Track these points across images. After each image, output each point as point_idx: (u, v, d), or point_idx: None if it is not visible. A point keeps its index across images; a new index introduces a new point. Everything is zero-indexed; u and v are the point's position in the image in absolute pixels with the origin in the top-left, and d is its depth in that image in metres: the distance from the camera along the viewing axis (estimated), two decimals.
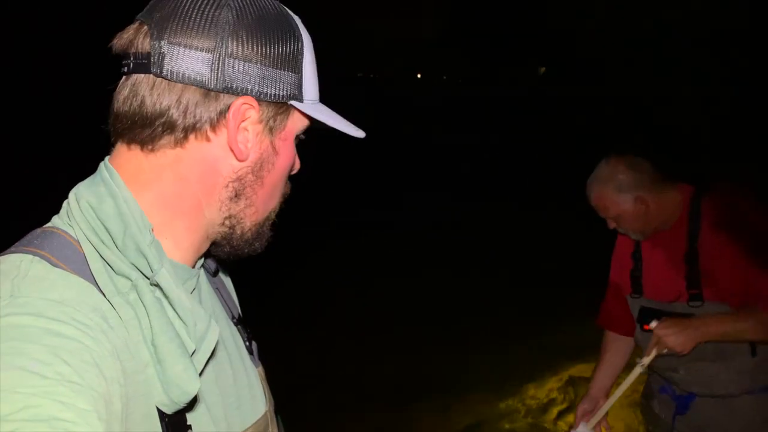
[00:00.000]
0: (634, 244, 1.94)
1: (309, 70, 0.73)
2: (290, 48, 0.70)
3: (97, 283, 0.62)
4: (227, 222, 0.73)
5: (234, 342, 0.84)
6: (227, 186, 0.71)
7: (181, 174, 0.69)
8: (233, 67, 0.66)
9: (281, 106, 0.71)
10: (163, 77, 0.65)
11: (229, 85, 0.66)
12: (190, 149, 0.68)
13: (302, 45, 0.71)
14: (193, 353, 0.65)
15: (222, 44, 0.65)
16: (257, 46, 0.67)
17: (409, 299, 5.42)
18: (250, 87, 0.68)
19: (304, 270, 6.12)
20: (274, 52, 0.68)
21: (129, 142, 0.68)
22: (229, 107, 0.67)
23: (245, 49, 0.66)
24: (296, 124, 0.75)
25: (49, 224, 0.68)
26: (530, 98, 17.54)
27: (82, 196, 0.66)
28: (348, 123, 0.79)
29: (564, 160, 9.64)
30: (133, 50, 0.66)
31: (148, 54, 0.65)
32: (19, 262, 0.61)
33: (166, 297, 0.64)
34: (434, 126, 16.68)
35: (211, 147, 0.69)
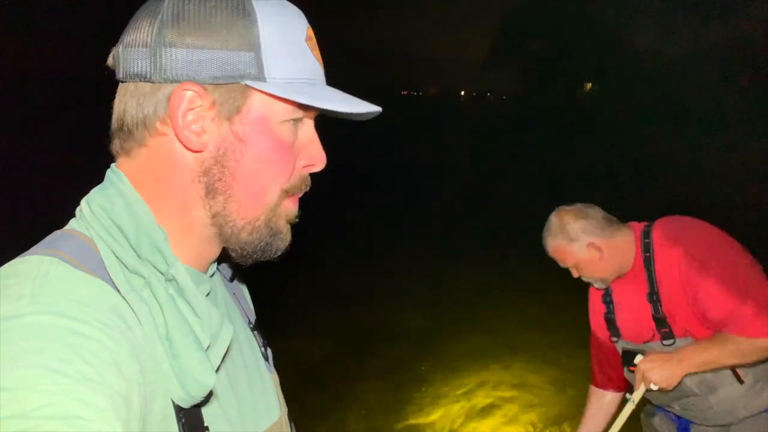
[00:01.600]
0: (604, 289, 1.97)
1: (276, 46, 0.67)
2: (237, 25, 0.66)
3: (113, 282, 0.63)
4: (215, 221, 0.70)
5: (250, 347, 0.84)
6: (197, 181, 0.68)
7: (156, 174, 0.68)
8: (171, 55, 0.64)
9: (234, 88, 0.67)
10: (122, 81, 0.67)
11: (167, 75, 0.65)
12: (153, 147, 0.68)
13: (255, 21, 0.67)
14: (207, 348, 0.65)
15: (160, 35, 0.64)
16: (197, 30, 0.65)
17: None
18: (190, 73, 0.65)
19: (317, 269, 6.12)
20: (216, 33, 0.65)
21: (117, 149, 0.70)
22: (170, 97, 0.65)
23: (185, 36, 0.64)
24: (271, 108, 0.68)
25: (66, 227, 0.69)
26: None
27: (93, 201, 0.67)
28: (355, 100, 0.72)
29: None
30: (110, 63, 0.69)
31: (114, 63, 0.68)
32: (39, 263, 0.61)
33: (181, 291, 0.64)
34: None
35: (169, 142, 0.67)
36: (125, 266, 0.64)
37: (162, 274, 0.65)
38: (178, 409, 0.64)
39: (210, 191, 0.68)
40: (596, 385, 2.10)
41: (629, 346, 1.93)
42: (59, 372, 0.51)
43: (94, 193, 0.69)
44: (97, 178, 0.72)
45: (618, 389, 2.07)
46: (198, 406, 0.66)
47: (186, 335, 0.63)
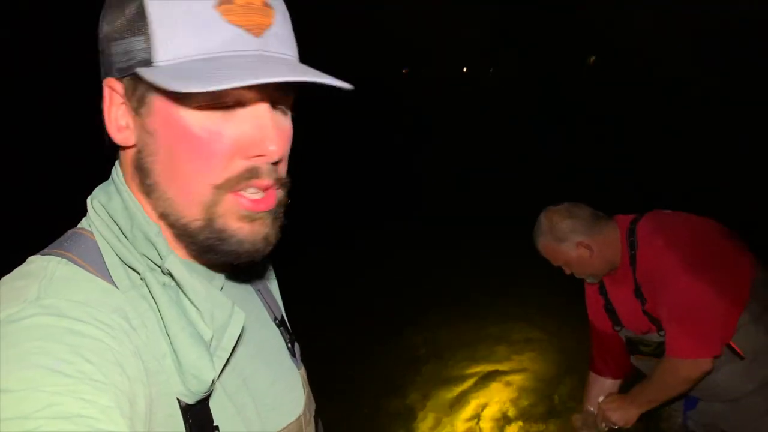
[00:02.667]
0: (599, 282, 2.00)
1: (171, 22, 0.60)
2: (130, 9, 0.61)
3: (113, 280, 0.63)
4: (166, 222, 0.67)
5: (275, 343, 0.83)
6: (133, 177, 0.68)
7: (124, 171, 0.70)
8: (101, 52, 0.66)
9: (135, 78, 0.63)
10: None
11: (103, 72, 0.66)
12: (111, 145, 0.69)
13: (141, 2, 0.61)
14: (212, 339, 0.64)
15: (100, 30, 0.66)
16: (108, 20, 0.64)
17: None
18: (108, 68, 0.65)
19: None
20: (110, 23, 0.63)
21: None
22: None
23: (102, 31, 0.65)
24: (177, 94, 0.61)
25: (78, 226, 0.71)
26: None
27: (95, 197, 0.69)
28: (261, 69, 0.59)
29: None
30: None
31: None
32: (46, 264, 0.62)
33: (178, 284, 0.64)
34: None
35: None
36: (123, 262, 0.65)
37: (159, 267, 0.65)
38: (185, 409, 0.63)
39: (146, 190, 0.67)
40: (595, 372, 2.16)
41: (632, 335, 1.97)
42: (61, 372, 0.52)
43: (97, 189, 0.70)
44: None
45: (615, 376, 2.12)
46: (206, 405, 0.65)
47: (183, 329, 0.62)
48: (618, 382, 2.14)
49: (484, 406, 3.62)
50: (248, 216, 0.66)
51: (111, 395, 0.54)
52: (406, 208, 8.10)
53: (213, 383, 0.64)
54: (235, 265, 0.76)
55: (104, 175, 0.73)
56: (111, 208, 0.67)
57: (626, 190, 7.22)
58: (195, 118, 0.62)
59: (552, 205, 1.97)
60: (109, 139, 0.67)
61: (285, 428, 0.78)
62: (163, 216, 0.67)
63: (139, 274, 0.64)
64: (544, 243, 1.93)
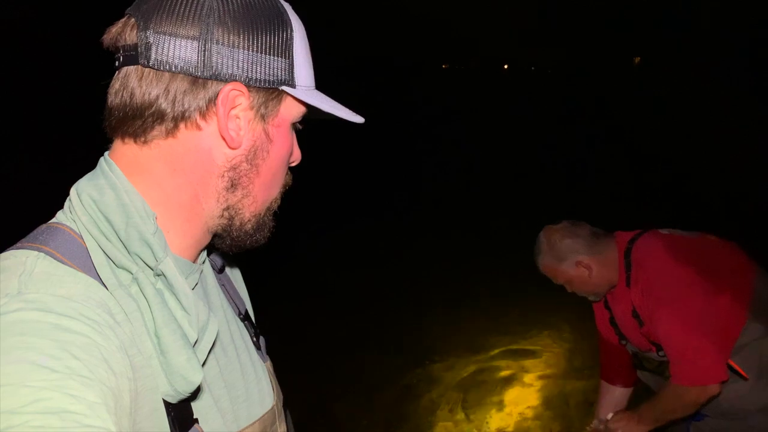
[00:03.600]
0: (602, 299, 2.01)
1: (301, 55, 0.72)
2: (278, 33, 0.69)
3: (100, 278, 0.63)
4: (226, 213, 0.73)
5: (241, 337, 0.85)
6: (222, 176, 0.70)
7: (175, 165, 0.69)
8: (220, 53, 0.65)
9: (272, 92, 0.71)
10: (150, 67, 0.65)
11: (216, 72, 0.66)
12: (182, 139, 0.68)
13: (291, 30, 0.70)
14: (195, 343, 0.66)
15: (208, 31, 0.65)
16: (244, 31, 0.66)
17: None
18: (238, 73, 0.67)
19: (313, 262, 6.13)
20: (262, 38, 0.67)
21: (123, 135, 0.68)
22: (217, 94, 0.67)
23: (232, 35, 0.66)
24: (291, 110, 0.74)
25: (53, 220, 0.69)
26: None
27: (83, 190, 0.66)
28: (346, 109, 0.78)
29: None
30: (121, 43, 0.66)
31: (135, 45, 0.65)
32: (24, 259, 0.61)
33: (170, 286, 0.64)
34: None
35: (203, 136, 0.68)
36: (113, 261, 0.64)
37: (151, 269, 0.65)
38: (168, 404, 0.65)
39: (233, 185, 0.72)
40: (606, 380, 2.16)
41: (636, 351, 1.99)
42: (48, 368, 0.52)
43: (84, 182, 0.68)
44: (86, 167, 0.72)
45: (626, 384, 2.13)
46: (187, 400, 0.67)
47: (173, 332, 0.63)
48: (629, 390, 2.16)
49: (493, 408, 3.65)
50: (276, 208, 0.80)
51: (98, 391, 0.54)
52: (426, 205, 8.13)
53: (199, 386, 0.66)
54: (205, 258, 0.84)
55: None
56: (103, 203, 0.65)
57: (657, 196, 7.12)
58: (291, 134, 0.77)
59: (552, 223, 1.99)
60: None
61: (259, 419, 0.80)
62: (228, 209, 0.73)
63: (131, 273, 0.64)
64: (544, 262, 1.94)
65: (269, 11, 0.69)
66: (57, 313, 0.56)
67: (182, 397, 0.65)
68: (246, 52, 0.67)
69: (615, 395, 2.14)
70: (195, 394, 0.69)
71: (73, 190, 0.68)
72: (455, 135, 14.02)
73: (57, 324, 0.56)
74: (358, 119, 0.78)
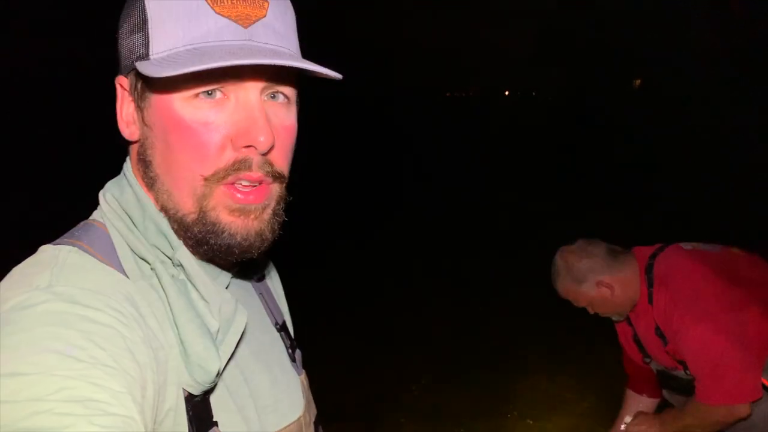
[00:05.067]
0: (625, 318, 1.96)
1: (164, 16, 0.63)
2: (132, 8, 0.66)
3: (125, 271, 0.64)
4: (166, 213, 0.69)
5: (275, 347, 0.84)
6: (138, 171, 0.70)
7: (132, 166, 0.72)
8: (118, 49, 0.68)
9: (135, 73, 0.66)
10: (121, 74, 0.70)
11: (120, 69, 0.69)
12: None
13: (142, 1, 0.65)
14: (218, 331, 0.65)
15: (119, 29, 0.69)
16: (121, 19, 0.68)
17: None
18: (121, 66, 0.68)
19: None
20: (123, 21, 0.68)
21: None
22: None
23: (119, 27, 0.68)
24: (169, 85, 0.63)
25: (90, 217, 0.72)
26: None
27: (108, 190, 0.71)
28: (239, 54, 0.61)
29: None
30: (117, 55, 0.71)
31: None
32: (57, 252, 0.63)
33: (188, 276, 0.65)
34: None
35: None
36: (135, 253, 0.66)
37: (169, 259, 0.67)
38: (188, 400, 0.65)
39: (149, 183, 0.69)
40: (632, 389, 2.10)
41: (662, 369, 1.93)
42: (74, 357, 0.53)
43: (110, 183, 0.73)
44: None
45: (653, 396, 2.06)
46: (207, 400, 0.67)
47: (191, 320, 0.64)
48: (655, 401, 2.08)
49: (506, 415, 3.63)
50: (239, 209, 0.66)
51: (122, 381, 0.55)
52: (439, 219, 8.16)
53: (218, 375, 0.65)
54: (241, 267, 0.80)
55: (114, 171, 0.75)
56: (124, 200, 0.69)
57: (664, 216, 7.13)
58: (186, 110, 0.64)
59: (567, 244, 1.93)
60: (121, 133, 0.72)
61: (284, 429, 0.78)
62: (164, 209, 0.68)
63: (149, 264, 0.65)
64: (564, 286, 1.88)
65: None
66: (83, 305, 0.58)
67: (203, 388, 0.65)
68: (122, 40, 0.67)
69: (642, 403, 2.06)
70: (213, 394, 0.68)
71: (101, 192, 0.72)
72: (462, 159, 14.11)
73: (83, 315, 0.57)
74: (295, 63, 0.62)
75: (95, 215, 0.71)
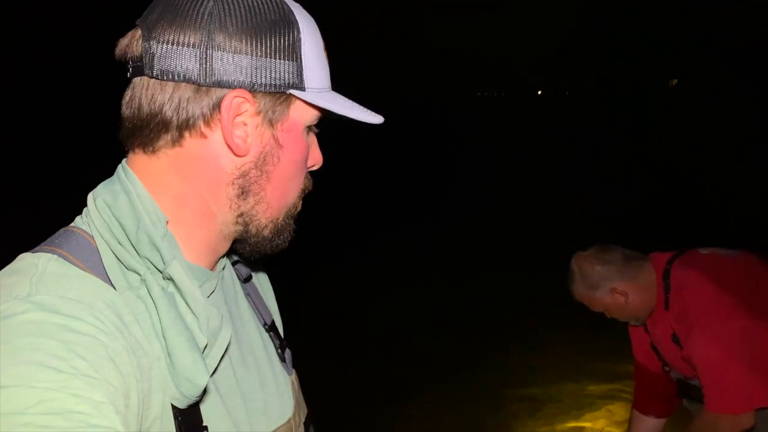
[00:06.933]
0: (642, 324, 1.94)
1: (311, 57, 0.70)
2: (285, 35, 0.67)
3: (110, 280, 0.63)
4: (240, 220, 0.72)
5: (264, 348, 0.83)
6: (232, 183, 0.70)
7: (183, 173, 0.69)
8: (222, 59, 0.65)
9: (280, 96, 0.69)
10: (155, 77, 0.65)
11: (219, 79, 0.65)
12: (188, 148, 0.68)
13: (298, 32, 0.68)
14: (205, 347, 0.65)
15: (209, 38, 0.64)
16: (247, 36, 0.65)
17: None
18: (242, 79, 0.66)
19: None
20: (266, 41, 0.66)
21: (134, 145, 0.69)
22: (221, 101, 0.66)
23: (234, 40, 0.65)
24: (302, 114, 0.72)
25: (72, 224, 0.70)
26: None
27: (99, 195, 0.68)
28: (364, 109, 0.76)
29: None
30: (129, 55, 0.67)
31: (141, 56, 0.65)
32: (37, 261, 0.62)
33: (178, 290, 0.64)
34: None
35: (209, 144, 0.68)
36: (122, 263, 0.65)
37: (160, 272, 0.65)
38: (175, 408, 0.64)
39: (244, 193, 0.71)
40: (639, 410, 2.08)
41: (681, 377, 1.93)
42: (54, 368, 0.52)
43: (100, 188, 0.70)
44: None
45: (660, 415, 2.05)
46: (196, 405, 0.66)
47: (180, 333, 0.63)
48: (662, 421, 2.06)
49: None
50: (295, 213, 0.78)
51: (104, 391, 0.54)
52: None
53: (205, 389, 0.65)
54: (228, 268, 0.83)
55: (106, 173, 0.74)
56: (116, 208, 0.66)
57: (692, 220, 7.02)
58: (306, 136, 0.74)
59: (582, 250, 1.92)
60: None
61: (274, 431, 0.79)
62: (242, 216, 0.72)
63: (140, 275, 0.65)
64: (579, 292, 1.89)
65: (274, 13, 0.67)
66: (64, 314, 0.57)
67: (189, 401, 0.64)
68: (250, 57, 0.66)
69: (647, 426, 2.04)
70: (203, 399, 0.68)
71: (90, 196, 0.70)
72: (490, 159, 14.06)
73: (63, 325, 0.56)
74: (376, 119, 0.76)
75: (77, 222, 0.70)
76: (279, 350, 0.86)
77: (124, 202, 0.66)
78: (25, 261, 0.63)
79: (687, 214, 7.73)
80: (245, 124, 0.68)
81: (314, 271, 5.69)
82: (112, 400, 0.55)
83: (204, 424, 0.66)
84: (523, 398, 3.88)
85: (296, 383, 0.88)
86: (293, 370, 0.88)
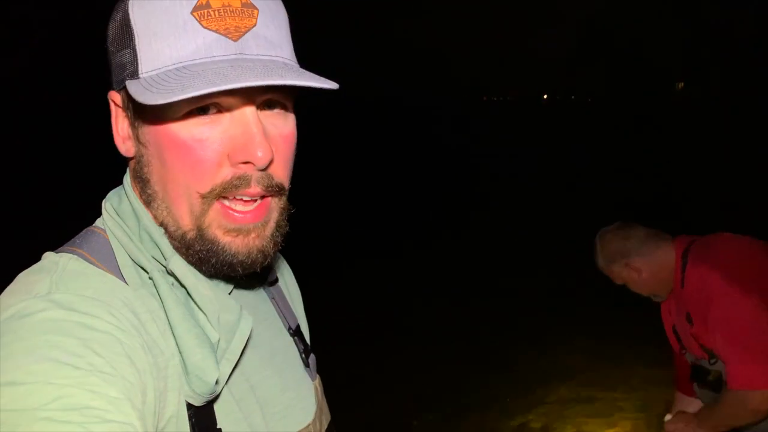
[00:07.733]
0: (664, 300, 1.97)
1: (150, 32, 0.61)
2: (116, 21, 0.64)
3: (124, 278, 0.64)
4: (166, 230, 0.67)
5: (287, 352, 0.81)
6: (136, 187, 0.69)
7: (130, 180, 0.71)
8: (110, 65, 0.67)
9: (126, 90, 0.63)
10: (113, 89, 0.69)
11: (113, 85, 0.68)
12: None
13: (127, 11, 0.62)
14: (218, 341, 0.65)
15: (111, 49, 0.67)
16: (109, 34, 0.66)
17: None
18: (111, 81, 0.67)
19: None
20: (110, 35, 0.65)
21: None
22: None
23: (107, 45, 0.67)
24: (163, 105, 0.59)
25: (94, 224, 0.72)
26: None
27: (108, 199, 0.71)
28: (230, 74, 0.58)
29: None
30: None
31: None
32: (58, 260, 0.64)
33: (182, 285, 0.65)
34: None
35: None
36: (134, 261, 0.66)
37: (164, 267, 0.66)
38: (189, 407, 0.64)
39: (146, 199, 0.67)
40: (679, 390, 2.08)
41: (696, 362, 1.91)
42: (71, 365, 0.53)
43: (111, 193, 0.73)
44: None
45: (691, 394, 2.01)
46: (210, 407, 0.66)
47: (189, 330, 0.63)
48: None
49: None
50: (236, 229, 0.65)
51: (120, 387, 0.55)
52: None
53: (217, 385, 0.64)
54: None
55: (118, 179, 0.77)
56: (121, 210, 0.69)
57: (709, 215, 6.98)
58: (181, 127, 0.62)
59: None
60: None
61: None
62: (163, 225, 0.67)
63: (147, 273, 0.65)
64: (600, 265, 1.95)
65: (113, 7, 0.65)
66: (81, 312, 0.58)
67: (203, 399, 0.64)
68: (109, 54, 0.66)
69: (687, 405, 2.01)
70: (217, 401, 0.66)
71: (104, 199, 0.73)
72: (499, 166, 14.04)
73: (81, 322, 0.57)
74: (288, 81, 0.59)
75: (98, 222, 0.72)
76: (303, 355, 0.84)
77: (127, 205, 0.69)
78: (47, 260, 0.65)
79: (693, 215, 7.68)
80: (125, 125, 0.68)
81: (338, 278, 5.72)
82: (129, 396, 0.55)
83: (218, 426, 0.66)
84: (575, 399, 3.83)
85: (320, 389, 0.85)
86: (317, 376, 0.86)
